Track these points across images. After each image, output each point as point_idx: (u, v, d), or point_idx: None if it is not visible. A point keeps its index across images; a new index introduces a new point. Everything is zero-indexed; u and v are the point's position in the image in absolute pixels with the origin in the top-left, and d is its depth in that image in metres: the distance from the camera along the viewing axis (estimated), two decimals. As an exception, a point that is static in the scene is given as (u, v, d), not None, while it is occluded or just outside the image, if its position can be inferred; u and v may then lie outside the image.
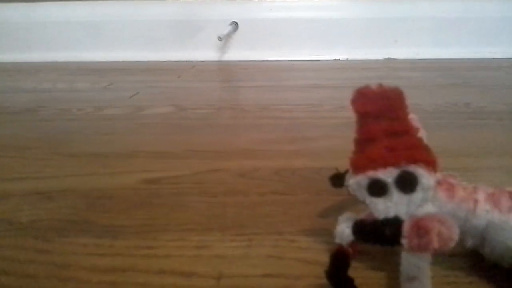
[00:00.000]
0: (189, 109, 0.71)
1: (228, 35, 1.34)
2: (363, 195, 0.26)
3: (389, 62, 1.28)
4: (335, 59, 1.36)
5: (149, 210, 0.35)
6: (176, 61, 1.27)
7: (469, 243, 0.26)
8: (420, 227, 0.19)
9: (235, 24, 1.37)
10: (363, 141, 0.26)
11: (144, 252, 0.29)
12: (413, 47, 1.38)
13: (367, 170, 0.26)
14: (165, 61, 1.27)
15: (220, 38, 1.27)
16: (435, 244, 0.19)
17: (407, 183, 0.25)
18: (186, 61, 1.28)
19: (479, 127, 0.60)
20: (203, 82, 0.98)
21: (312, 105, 0.74)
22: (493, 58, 1.31)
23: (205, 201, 0.37)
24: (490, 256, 0.26)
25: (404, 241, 0.19)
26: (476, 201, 0.25)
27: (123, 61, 1.26)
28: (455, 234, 0.20)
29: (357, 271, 0.27)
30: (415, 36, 1.38)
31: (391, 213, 0.25)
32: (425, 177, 0.25)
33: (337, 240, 0.28)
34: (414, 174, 0.25)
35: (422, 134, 0.32)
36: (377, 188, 0.26)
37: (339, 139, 0.53)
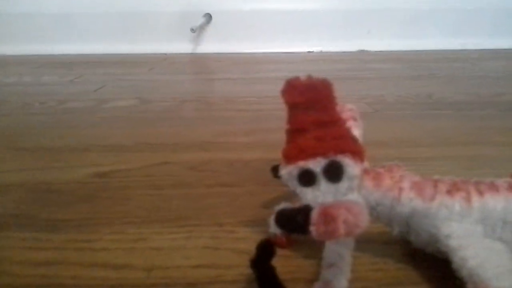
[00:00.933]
0: (153, 102, 0.71)
1: (202, 27, 1.33)
2: (294, 184, 0.27)
3: (362, 54, 1.29)
4: (309, 51, 1.36)
5: (93, 204, 0.35)
6: (149, 54, 1.26)
7: (396, 230, 0.27)
8: (327, 215, 0.19)
9: (209, 16, 1.36)
10: (294, 131, 0.27)
11: (81, 246, 0.29)
12: (386, 39, 1.39)
13: (297, 161, 0.26)
14: (138, 54, 1.26)
15: (193, 30, 1.26)
16: (341, 231, 0.19)
17: (333, 173, 0.26)
18: (159, 53, 1.27)
19: (438, 118, 0.61)
20: (173, 75, 0.98)
21: (278, 97, 0.74)
22: (464, 49, 1.33)
23: (150, 194, 0.37)
24: (416, 242, 0.27)
25: (312, 228, 0.20)
26: (401, 189, 0.26)
27: (95, 54, 1.25)
28: (361, 221, 0.20)
29: (290, 259, 0.28)
30: (388, 28, 1.39)
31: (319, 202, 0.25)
32: (351, 167, 0.26)
33: (271, 230, 0.29)
34: (340, 164, 0.26)
35: (359, 125, 0.32)
36: (307, 178, 0.26)
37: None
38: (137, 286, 0.25)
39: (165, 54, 1.29)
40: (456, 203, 0.25)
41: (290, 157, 0.26)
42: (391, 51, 1.33)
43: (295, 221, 0.21)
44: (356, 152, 0.26)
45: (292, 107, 0.26)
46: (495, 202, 0.25)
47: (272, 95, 0.75)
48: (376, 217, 0.27)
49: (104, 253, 0.28)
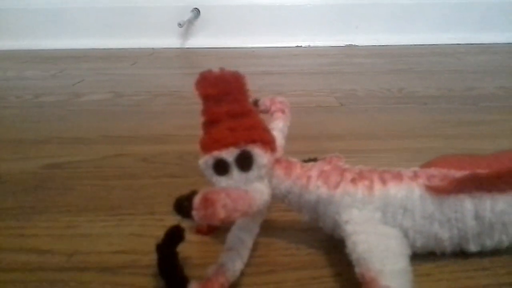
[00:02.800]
0: (126, 95, 0.72)
1: (190, 22, 1.34)
2: (210, 174, 0.28)
3: (349, 49, 1.29)
4: (297, 46, 1.37)
5: (37, 193, 0.37)
6: (136, 48, 1.27)
7: (306, 217, 0.28)
8: (207, 200, 0.20)
9: (197, 11, 1.37)
10: (208, 123, 0.28)
11: (13, 232, 0.31)
12: (373, 33, 1.39)
13: (212, 151, 0.27)
14: (126, 48, 1.27)
15: (180, 24, 1.27)
16: (221, 215, 0.20)
17: (244, 162, 0.27)
18: (147, 48, 1.28)
19: (401, 111, 0.62)
20: (154, 69, 0.99)
21: (251, 91, 0.75)
22: (452, 44, 1.32)
23: (94, 184, 0.38)
24: (325, 229, 0.28)
25: (194, 213, 0.21)
26: (309, 178, 0.27)
27: (82, 49, 1.26)
28: (241, 206, 0.21)
29: (208, 245, 0.29)
30: (376, 23, 1.39)
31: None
32: (260, 156, 0.27)
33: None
34: (251, 153, 0.27)
35: (286, 117, 0.33)
36: (221, 167, 0.27)
37: None
38: (55, 270, 0.26)
39: (153, 49, 1.30)
40: (359, 191, 0.26)
41: (205, 147, 0.28)
42: (379, 46, 1.33)
43: (182, 206, 0.22)
44: (267, 142, 0.27)
45: (205, 99, 0.27)
46: (396, 191, 0.26)
47: (250, 89, 0.76)
48: (288, 205, 0.28)
49: (33, 239, 0.30)
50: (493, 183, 0.25)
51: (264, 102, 0.34)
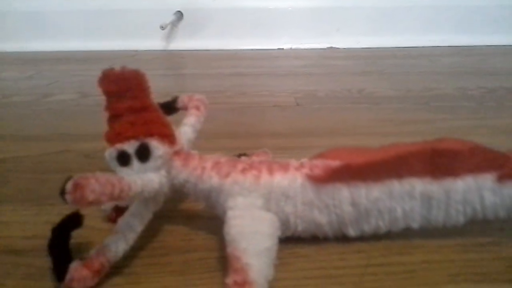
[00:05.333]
0: (91, 96, 0.74)
1: (173, 24, 1.37)
2: (114, 165, 0.30)
3: (329, 51, 1.31)
4: (279, 48, 1.39)
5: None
6: (118, 50, 1.29)
7: (203, 205, 0.30)
8: (77, 184, 0.23)
9: (180, 14, 1.39)
10: (112, 117, 0.30)
11: None
12: (354, 36, 1.41)
13: (115, 143, 0.29)
14: (107, 50, 1.29)
15: (162, 27, 1.29)
16: (89, 198, 0.22)
17: (142, 154, 0.29)
18: (130, 50, 1.30)
19: (351, 111, 0.64)
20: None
21: (217, 92, 0.77)
22: (430, 46, 1.34)
23: (32, 177, 0.41)
24: (219, 215, 0.30)
25: (66, 196, 0.23)
26: (203, 169, 0.29)
27: (63, 51, 1.28)
28: (109, 190, 0.23)
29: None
30: (356, 25, 1.41)
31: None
32: (157, 148, 0.29)
33: (103, 207, 0.32)
34: (148, 146, 0.29)
35: (200, 114, 0.36)
36: (123, 158, 0.29)
37: (214, 122, 0.57)
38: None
39: (136, 51, 1.33)
40: (247, 180, 0.28)
41: (109, 140, 0.30)
42: (359, 48, 1.35)
43: (60, 191, 0.24)
44: (164, 135, 0.29)
45: (108, 95, 0.29)
46: (280, 180, 0.28)
47: (211, 90, 0.78)
48: (187, 194, 0.30)
49: None
50: (364, 172, 0.27)
51: (183, 99, 0.36)
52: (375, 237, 0.29)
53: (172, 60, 1.23)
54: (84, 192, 0.22)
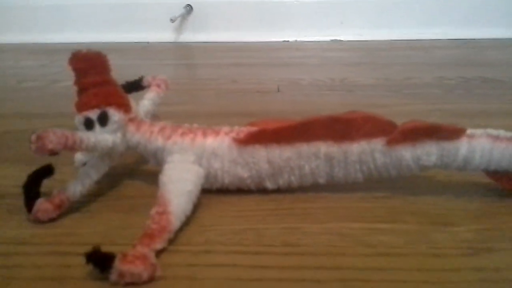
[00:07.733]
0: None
1: (183, 17, 1.44)
2: (82, 129, 0.37)
3: (332, 44, 1.36)
4: (285, 41, 1.44)
5: None
6: (130, 42, 1.37)
7: (151, 163, 0.37)
8: (39, 136, 0.30)
9: (189, 7, 1.46)
10: (80, 90, 0.37)
11: None
12: (358, 29, 1.45)
13: (82, 111, 0.36)
14: (120, 42, 1.37)
15: (172, 20, 1.37)
16: (48, 146, 0.29)
17: (102, 119, 0.36)
18: (142, 42, 1.38)
19: (323, 97, 0.69)
20: (143, 60, 1.09)
21: (210, 79, 0.84)
22: (434, 39, 1.36)
23: (27, 145, 0.48)
24: (164, 171, 0.36)
25: (31, 146, 0.30)
26: (151, 132, 0.36)
27: (79, 42, 1.36)
28: (63, 141, 0.30)
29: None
30: (360, 18, 1.45)
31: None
32: (114, 115, 0.36)
33: (76, 165, 0.39)
34: (107, 113, 0.36)
35: (160, 91, 0.42)
36: (88, 124, 0.36)
37: (198, 105, 0.64)
38: None
39: (147, 42, 1.40)
40: (184, 141, 0.35)
41: (78, 109, 0.37)
42: (363, 41, 1.38)
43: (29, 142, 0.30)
44: (121, 104, 0.36)
45: (76, 72, 0.36)
46: (211, 142, 0.34)
47: (205, 77, 0.85)
48: (140, 154, 0.37)
49: None
50: (279, 136, 0.33)
51: (147, 79, 0.43)
52: (290, 190, 0.35)
53: (182, 51, 1.30)
54: (44, 142, 0.29)
